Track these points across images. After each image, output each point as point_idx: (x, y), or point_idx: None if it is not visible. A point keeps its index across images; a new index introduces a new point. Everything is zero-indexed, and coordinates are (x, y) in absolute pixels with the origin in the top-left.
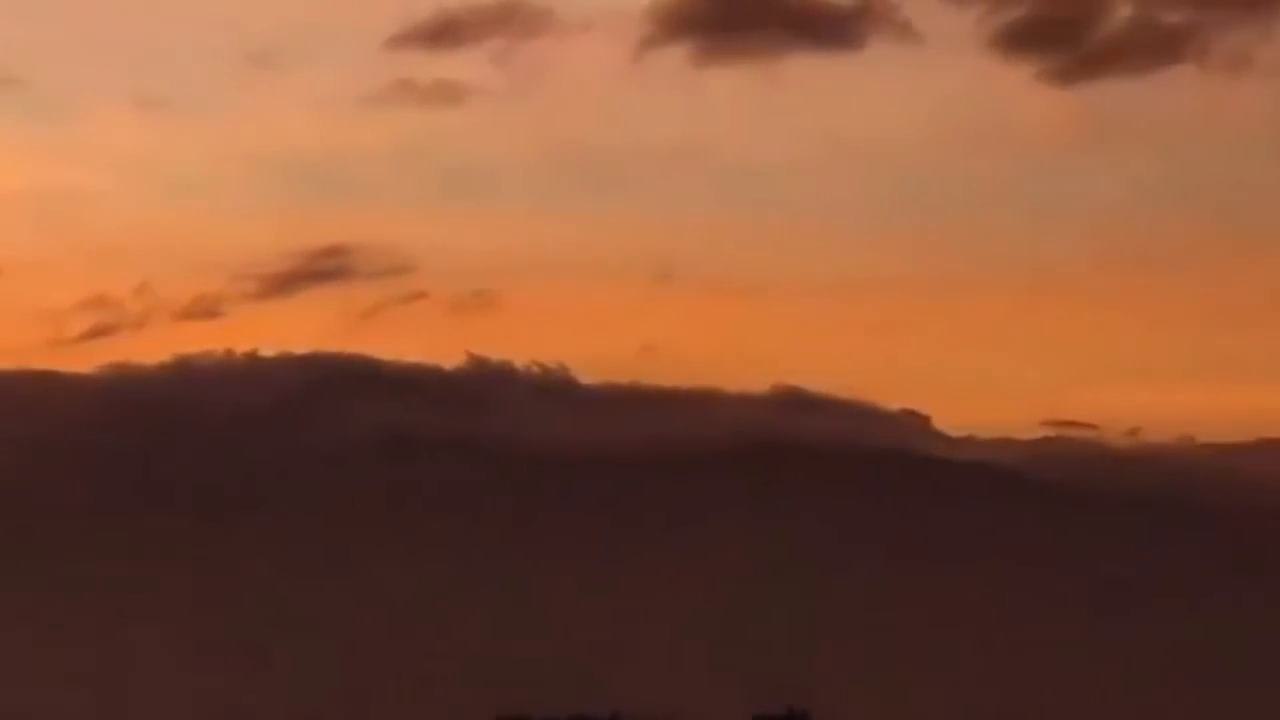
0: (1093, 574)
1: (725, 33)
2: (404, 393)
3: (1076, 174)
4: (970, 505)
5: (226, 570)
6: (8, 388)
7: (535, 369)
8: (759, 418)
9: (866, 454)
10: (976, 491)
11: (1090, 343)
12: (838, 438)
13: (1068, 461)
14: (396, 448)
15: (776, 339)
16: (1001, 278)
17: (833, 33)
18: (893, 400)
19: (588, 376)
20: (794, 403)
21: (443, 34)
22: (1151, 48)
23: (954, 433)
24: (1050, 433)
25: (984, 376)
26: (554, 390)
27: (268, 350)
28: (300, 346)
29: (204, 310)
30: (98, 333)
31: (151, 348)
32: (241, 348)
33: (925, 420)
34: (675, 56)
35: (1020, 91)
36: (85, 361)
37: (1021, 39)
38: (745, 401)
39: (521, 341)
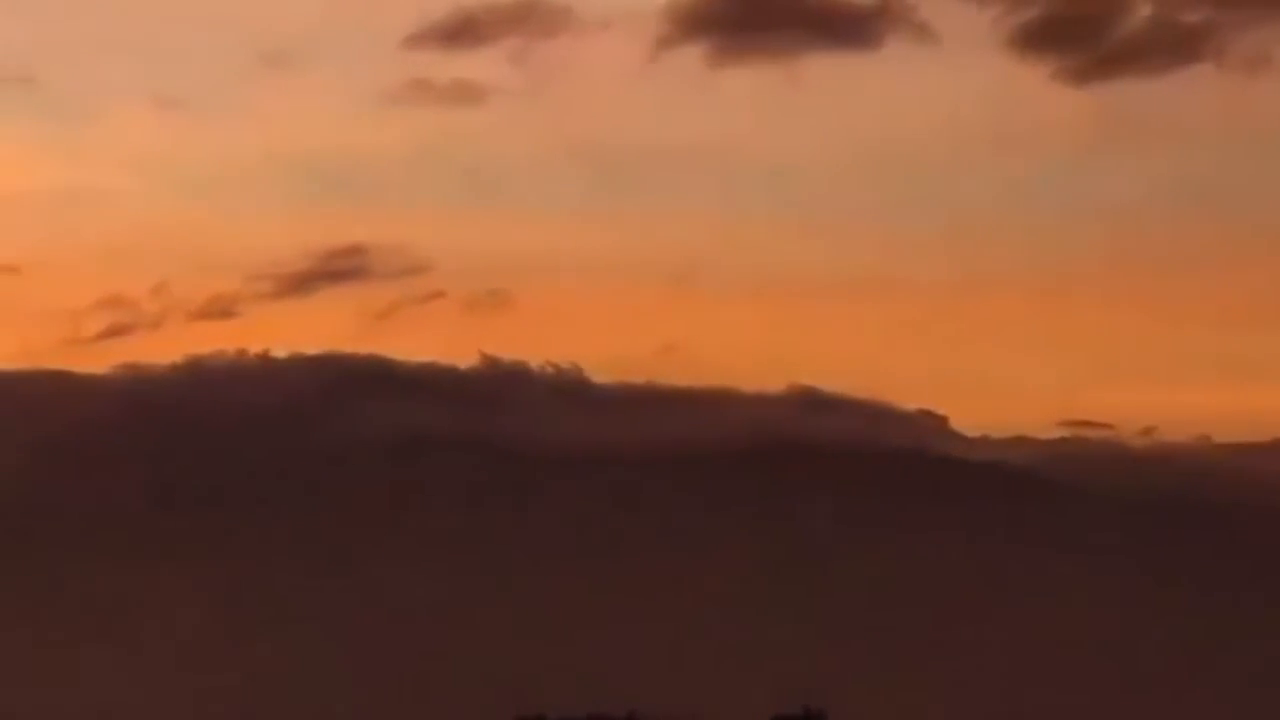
0: (1108, 573)
1: (743, 32)
2: (418, 393)
3: (1093, 174)
4: (987, 505)
5: (238, 570)
6: (20, 388)
7: (550, 369)
8: (775, 418)
9: (883, 454)
10: (993, 491)
11: (1107, 342)
12: (854, 438)
13: (1084, 461)
14: (410, 448)
15: (793, 339)
16: (1018, 277)
17: (850, 32)
18: (909, 400)
19: (602, 376)
20: (810, 403)
21: (459, 33)
22: (1169, 47)
23: (970, 433)
24: (1067, 433)
25: (1000, 376)
26: (568, 390)
27: (283, 350)
28: (316, 346)
29: (220, 310)
30: (113, 333)
31: (167, 347)
32: (258, 347)
33: (942, 420)
34: (692, 56)
35: (1038, 91)
36: (100, 361)
37: (1039, 38)
38: (761, 401)
39: (536, 341)
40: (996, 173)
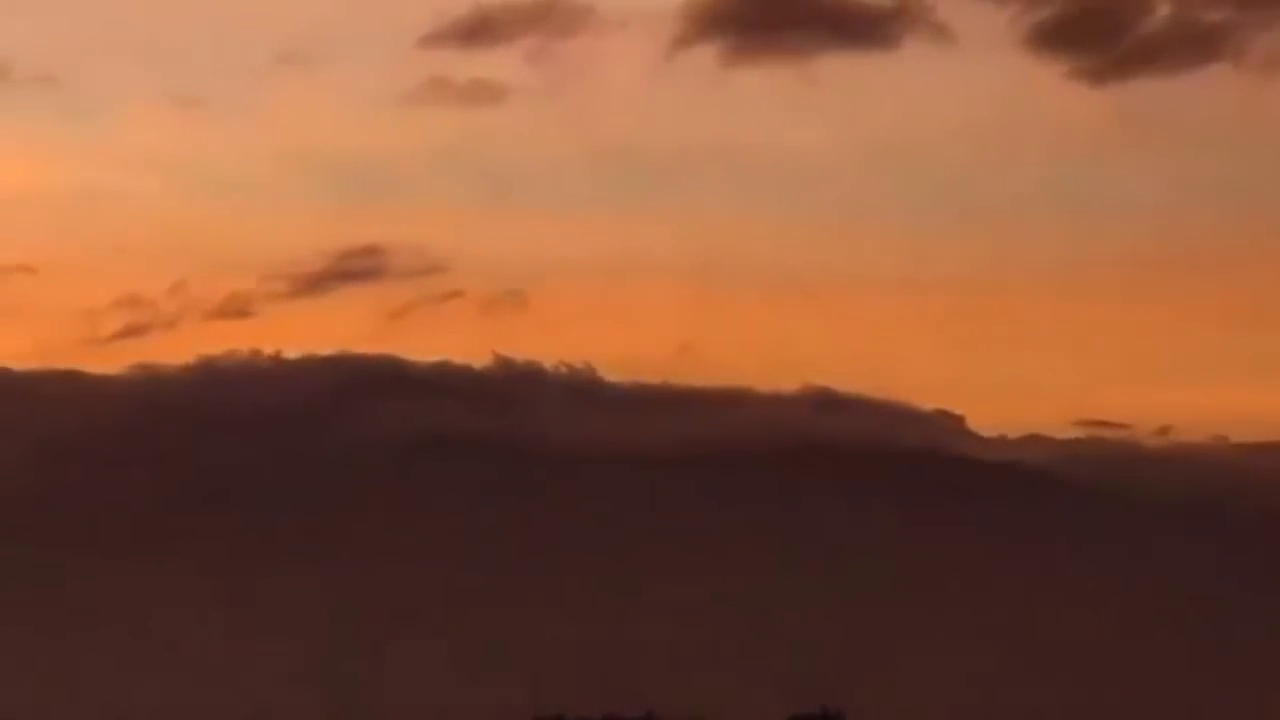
0: (1125, 572)
1: (759, 32)
2: (431, 393)
3: (1111, 174)
4: (1003, 505)
5: (251, 569)
6: (34, 387)
7: (563, 369)
8: (790, 418)
9: (899, 454)
10: (1009, 491)
11: (1122, 342)
12: (870, 438)
13: (1100, 461)
14: (423, 448)
15: (808, 338)
16: (1033, 278)
17: (867, 32)
18: (926, 400)
19: (618, 376)
20: (825, 402)
21: (476, 33)
22: (1188, 47)
23: (986, 433)
24: (1083, 433)
25: (1016, 376)
26: (582, 390)
27: (298, 350)
28: (331, 345)
29: (237, 310)
30: (129, 332)
31: (183, 347)
32: (274, 347)
33: (958, 420)
34: (710, 56)
35: (1055, 91)
36: (115, 361)
37: (1056, 38)
38: (776, 401)
39: (552, 341)
40: (1013, 173)
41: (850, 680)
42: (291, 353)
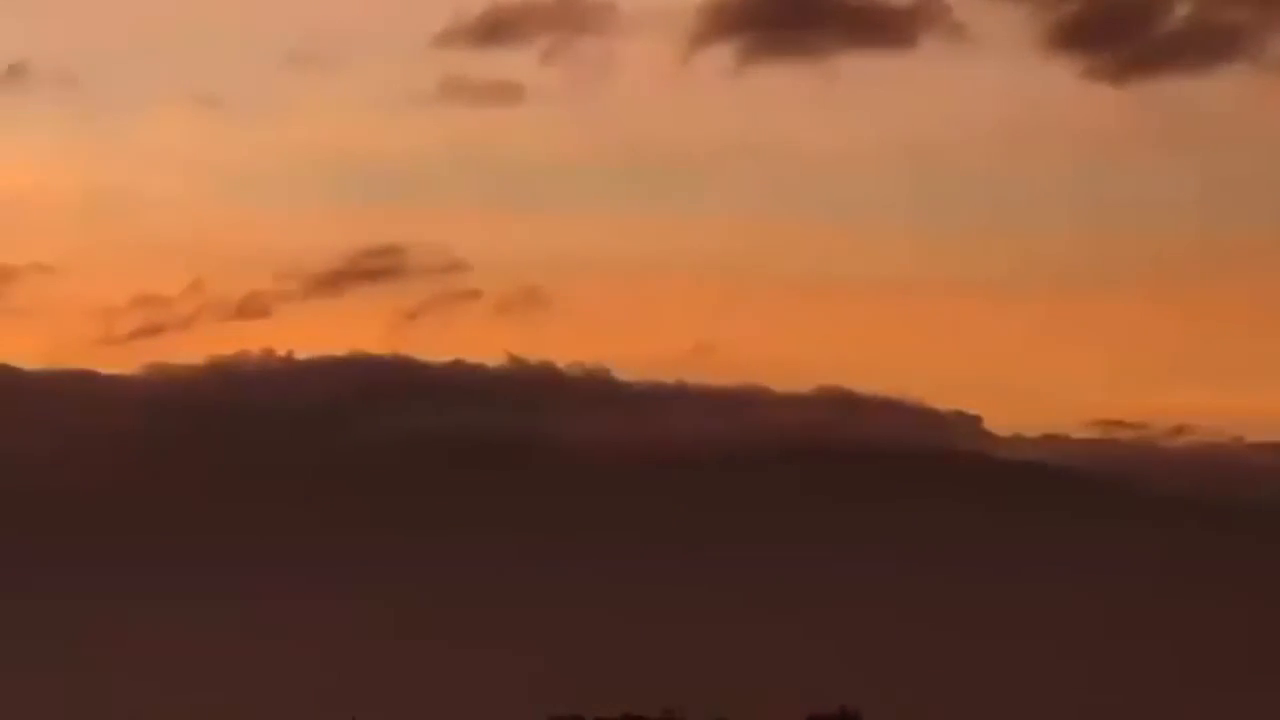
0: (1142, 572)
1: (777, 31)
2: (445, 393)
3: (1129, 173)
4: (1020, 504)
5: (263, 569)
6: (48, 387)
7: (577, 369)
8: (807, 418)
9: (917, 454)
10: (1026, 491)
11: (1139, 342)
12: (888, 438)
13: (1117, 461)
14: (436, 448)
15: (825, 339)
16: (1051, 278)
17: (885, 32)
18: (943, 401)
19: (634, 376)
20: (842, 403)
21: (493, 32)
22: (1206, 46)
23: (1003, 433)
24: (1099, 433)
25: (1034, 377)
26: (596, 390)
27: (313, 351)
28: (348, 345)
29: (254, 309)
30: (145, 332)
31: (197, 347)
32: (290, 347)
33: (975, 420)
34: (728, 55)
35: (1073, 90)
36: (131, 361)
37: (1075, 37)
38: (793, 402)
39: (568, 341)
40: (1031, 172)
41: (868, 680)
42: (306, 353)
